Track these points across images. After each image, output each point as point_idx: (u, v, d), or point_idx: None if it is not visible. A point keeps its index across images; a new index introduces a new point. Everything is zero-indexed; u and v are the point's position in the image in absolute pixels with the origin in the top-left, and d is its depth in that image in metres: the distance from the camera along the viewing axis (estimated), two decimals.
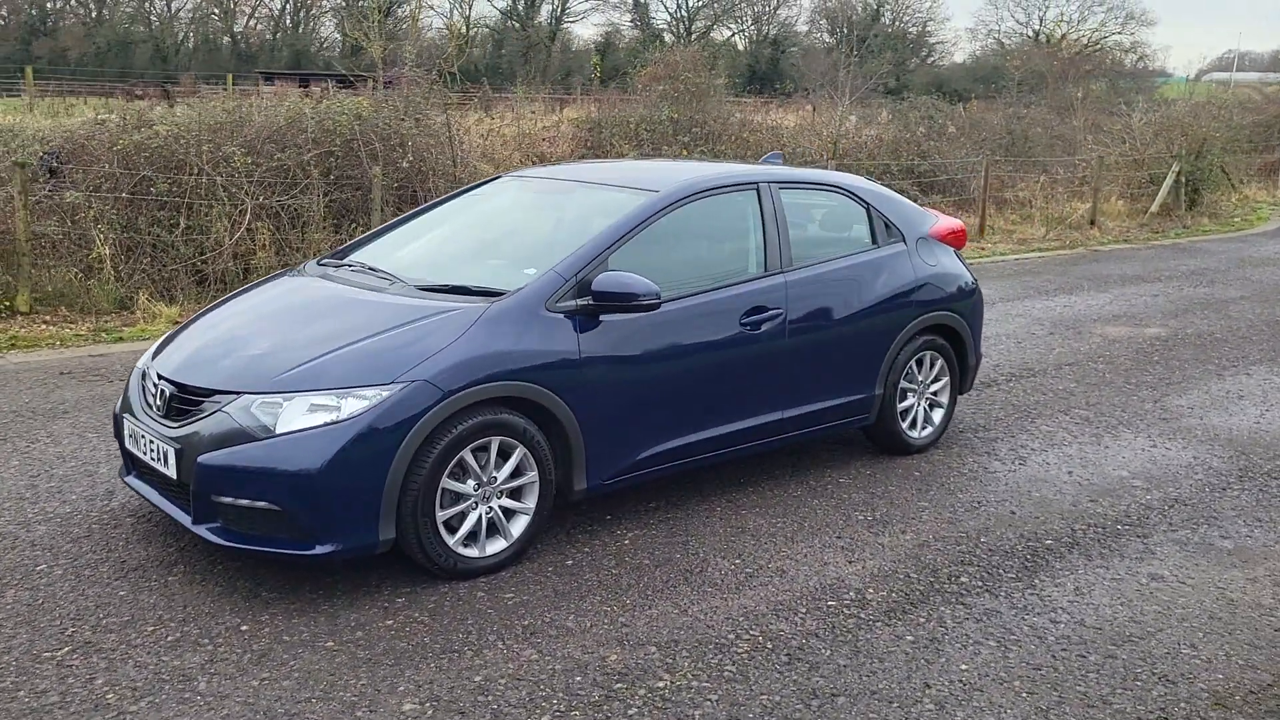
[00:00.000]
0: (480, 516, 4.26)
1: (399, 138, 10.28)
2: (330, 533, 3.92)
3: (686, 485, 5.33)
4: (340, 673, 3.55)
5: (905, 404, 5.86)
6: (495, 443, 4.23)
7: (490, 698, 3.43)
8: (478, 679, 3.54)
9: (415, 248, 5.25)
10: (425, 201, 9.04)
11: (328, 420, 3.93)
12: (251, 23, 73.32)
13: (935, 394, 6.05)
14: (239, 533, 3.99)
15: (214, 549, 4.27)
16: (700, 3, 70.07)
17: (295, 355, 4.17)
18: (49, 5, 71.40)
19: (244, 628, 3.84)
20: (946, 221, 6.21)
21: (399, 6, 73.90)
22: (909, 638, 3.91)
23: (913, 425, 5.93)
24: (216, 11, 72.55)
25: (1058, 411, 6.93)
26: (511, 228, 5.35)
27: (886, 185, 16.86)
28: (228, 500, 3.95)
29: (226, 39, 72.84)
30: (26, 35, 67.89)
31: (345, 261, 5.08)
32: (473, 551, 4.26)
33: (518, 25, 70.22)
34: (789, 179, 5.50)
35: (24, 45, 66.07)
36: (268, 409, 3.98)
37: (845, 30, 70.99)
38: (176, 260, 9.25)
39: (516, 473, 4.34)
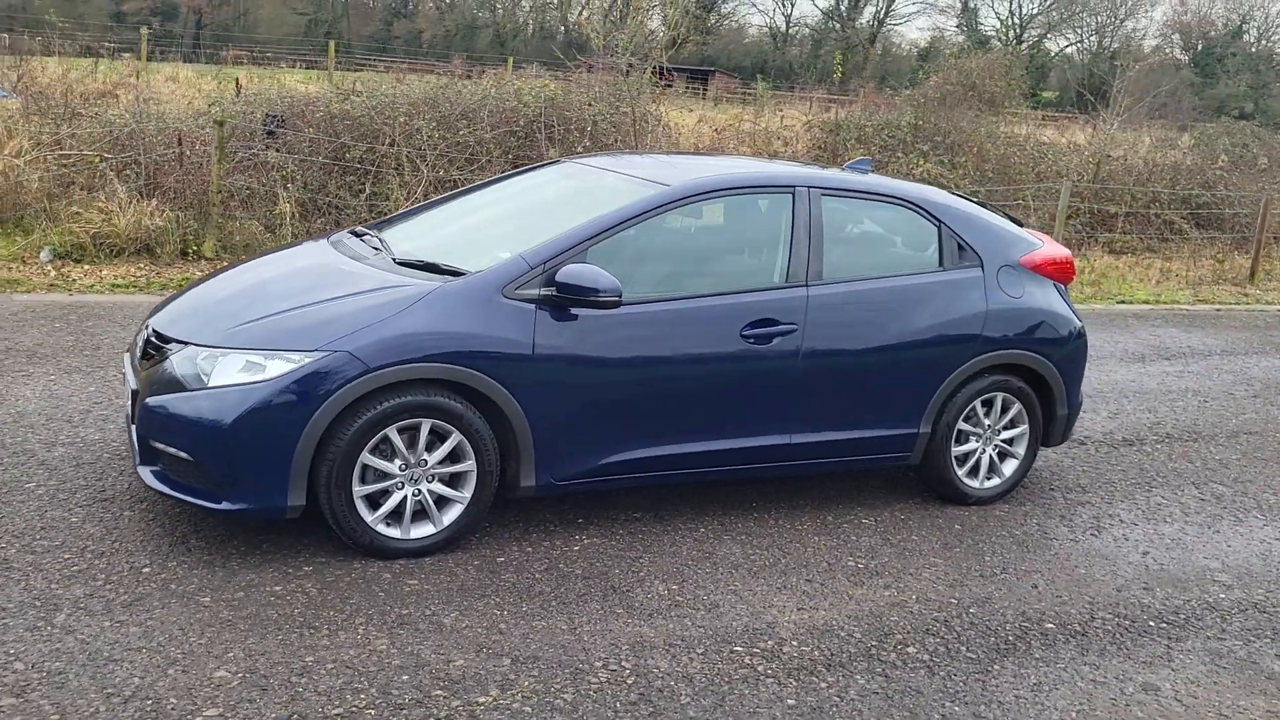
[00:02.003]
0: (406, 498, 4.18)
1: (581, 123, 10.36)
2: (236, 490, 3.95)
3: (687, 499, 5.02)
4: (190, 629, 3.57)
5: (964, 448, 5.24)
6: (426, 425, 4.12)
7: (304, 680, 3.34)
8: (309, 659, 3.46)
9: (438, 223, 5.22)
10: None
11: (252, 379, 3.96)
12: (584, 14, 76.55)
13: (1009, 443, 5.37)
14: (171, 478, 4.11)
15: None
16: (1035, 10, 66.53)
17: (249, 314, 4.24)
18: None
19: (145, 569, 3.95)
20: (1049, 250, 5.49)
21: (721, 3, 75.24)
22: (790, 701, 3.48)
23: (973, 473, 5.30)
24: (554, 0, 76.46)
25: (1189, 483, 6.00)
26: (532, 210, 5.20)
27: (1153, 215, 15.38)
28: (159, 445, 4.08)
29: (561, 28, 76.61)
30: (389, 17, 74.64)
31: (367, 231, 5.12)
32: (394, 532, 4.18)
33: (838, 26, 69.43)
34: (840, 186, 5.04)
35: (386, 26, 72.66)
36: (210, 361, 4.06)
37: (1198, 47, 65.39)
38: (354, 223, 9.74)
39: (455, 459, 4.22)
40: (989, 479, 5.36)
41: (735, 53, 71.21)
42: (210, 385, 3.99)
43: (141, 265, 8.82)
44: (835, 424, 4.90)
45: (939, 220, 5.18)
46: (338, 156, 10.02)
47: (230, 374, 3.99)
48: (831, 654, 3.80)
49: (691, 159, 5.81)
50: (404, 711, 3.23)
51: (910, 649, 3.88)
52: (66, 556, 3.99)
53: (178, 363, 4.11)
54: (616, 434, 4.46)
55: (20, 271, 8.28)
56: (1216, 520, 5.47)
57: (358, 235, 5.07)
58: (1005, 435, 5.36)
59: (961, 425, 5.20)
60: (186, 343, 4.16)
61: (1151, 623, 4.27)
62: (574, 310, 4.30)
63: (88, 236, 8.68)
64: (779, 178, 4.96)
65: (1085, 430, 6.84)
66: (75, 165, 9.65)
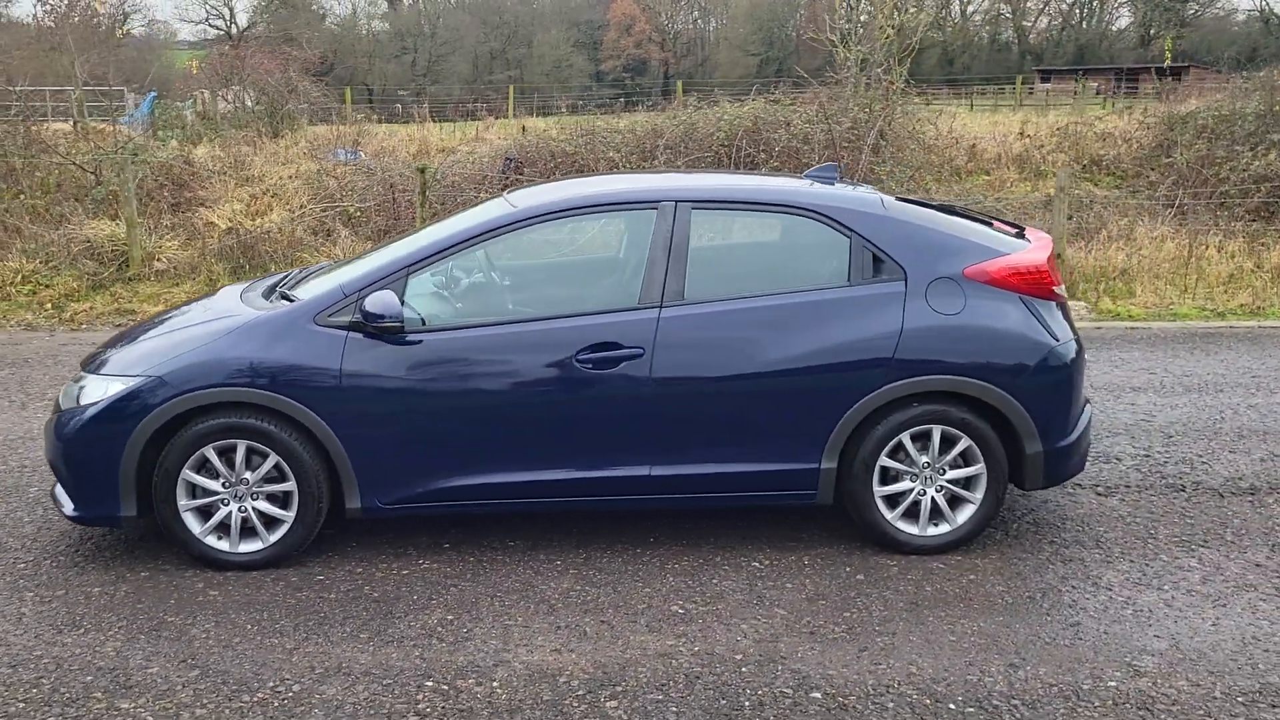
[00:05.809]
0: (233, 514, 4.45)
1: (770, 144, 10.08)
2: (76, 498, 4.46)
3: (578, 530, 4.85)
4: None
5: (894, 488, 4.58)
6: (242, 446, 4.38)
7: (10, 672, 3.71)
8: (37, 654, 3.83)
9: (380, 258, 5.43)
10: None
11: (96, 399, 4.45)
12: (1040, 21, 72.66)
13: (963, 484, 4.60)
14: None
15: None
16: None
17: (131, 342, 4.75)
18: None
19: (21, 565, 4.56)
20: (1012, 259, 4.62)
21: None
22: None
23: (909, 517, 4.61)
24: (1007, 11, 72.89)
25: (1268, 546, 4.76)
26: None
27: None
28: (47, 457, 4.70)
29: (1012, 37, 73.42)
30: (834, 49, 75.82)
31: (314, 269, 5.46)
32: (224, 545, 4.47)
33: None
34: (721, 199, 4.62)
35: (829, 59, 73.91)
36: (87, 385, 4.60)
37: None
38: None
39: (281, 479, 4.44)
40: (935, 525, 4.62)
41: (1218, 44, 64.45)
42: (77, 404, 4.53)
43: None
44: (705, 457, 4.50)
45: (851, 230, 4.58)
46: None
47: (91, 395, 4.51)
48: (516, 700, 3.54)
49: (620, 178, 5.53)
50: (53, 708, 3.50)
51: (610, 704, 3.51)
52: None
53: (70, 387, 4.70)
54: (442, 460, 4.44)
55: None
56: (1240, 593, 4.29)
57: (301, 273, 5.44)
58: (953, 475, 4.59)
59: (886, 462, 4.55)
60: (83, 370, 4.75)
61: (954, 705, 3.50)
62: (401, 337, 4.37)
63: None
64: (642, 194, 4.65)
65: (1204, 474, 5.63)
66: (334, 215, 10.99)
